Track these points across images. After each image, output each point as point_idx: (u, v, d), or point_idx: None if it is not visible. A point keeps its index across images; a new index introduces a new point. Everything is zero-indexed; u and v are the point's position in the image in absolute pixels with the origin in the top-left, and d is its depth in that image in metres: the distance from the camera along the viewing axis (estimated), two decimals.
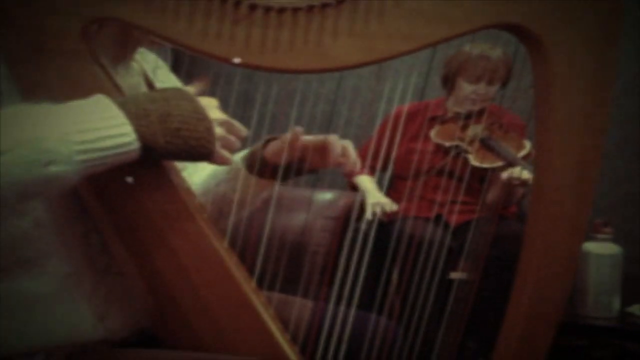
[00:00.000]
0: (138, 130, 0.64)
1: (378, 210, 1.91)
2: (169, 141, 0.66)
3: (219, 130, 0.70)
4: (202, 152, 0.69)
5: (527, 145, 1.87)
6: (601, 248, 1.75)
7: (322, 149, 0.87)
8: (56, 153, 0.60)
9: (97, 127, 0.62)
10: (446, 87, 2.08)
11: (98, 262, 0.74)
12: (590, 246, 1.75)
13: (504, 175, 1.80)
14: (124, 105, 0.65)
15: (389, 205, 1.93)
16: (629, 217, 2.38)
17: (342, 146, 0.88)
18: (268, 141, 0.89)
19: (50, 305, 0.72)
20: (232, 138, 0.74)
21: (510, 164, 1.80)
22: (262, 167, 0.88)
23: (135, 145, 0.65)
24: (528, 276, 0.74)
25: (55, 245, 0.71)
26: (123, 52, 0.80)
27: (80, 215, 0.72)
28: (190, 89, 0.73)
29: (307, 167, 0.89)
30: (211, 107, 0.71)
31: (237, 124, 0.74)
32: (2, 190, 0.59)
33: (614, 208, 2.33)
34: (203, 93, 0.74)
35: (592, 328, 1.72)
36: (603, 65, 0.70)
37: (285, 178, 0.90)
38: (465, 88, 1.97)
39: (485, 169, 1.89)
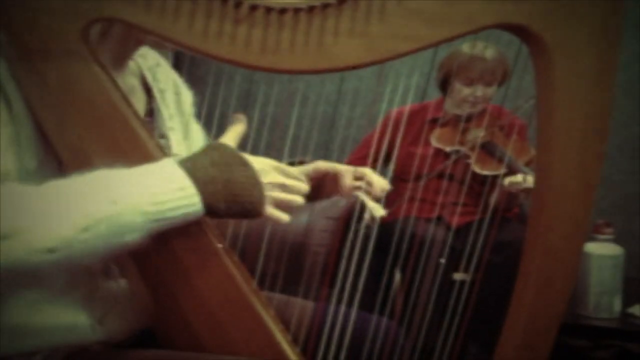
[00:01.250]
0: (204, 197, 0.67)
1: (367, 216, 1.90)
2: (229, 206, 0.69)
3: (273, 194, 0.73)
4: (252, 214, 0.71)
5: (531, 150, 1.85)
6: (603, 249, 1.74)
7: (333, 178, 0.88)
8: (133, 226, 0.64)
9: (170, 198, 0.66)
10: (443, 90, 2.06)
11: (96, 266, 0.74)
12: (592, 247, 1.74)
13: (506, 182, 1.78)
14: (192, 173, 0.67)
15: (379, 211, 1.92)
16: (631, 218, 2.38)
17: (360, 171, 0.90)
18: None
19: (49, 308, 0.72)
20: (290, 197, 0.75)
21: (512, 170, 1.78)
22: None
23: (201, 212, 0.68)
24: (529, 277, 0.74)
25: None
26: (123, 53, 0.80)
27: None
28: (232, 134, 0.75)
29: (319, 194, 0.91)
30: (267, 170, 0.73)
31: (296, 184, 0.76)
32: (84, 261, 0.66)
33: (616, 209, 2.33)
34: (242, 133, 0.76)
35: (593, 329, 1.72)
36: (605, 66, 0.70)
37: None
38: (462, 91, 1.94)
39: (487, 175, 1.87)
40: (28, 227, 0.61)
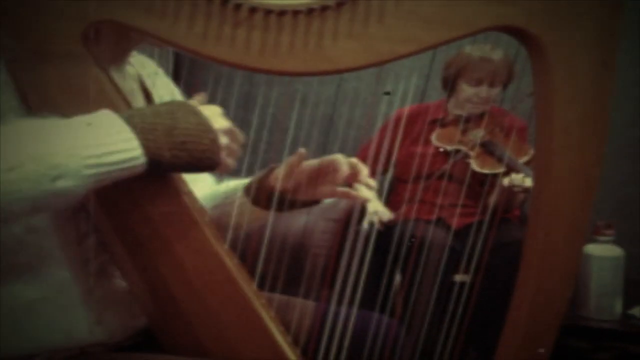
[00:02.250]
0: (144, 144, 0.65)
1: (375, 219, 1.90)
2: (175, 154, 0.66)
3: (223, 139, 0.71)
4: (207, 164, 0.69)
5: (530, 150, 1.86)
6: (603, 250, 1.74)
7: (328, 170, 0.87)
8: (64, 168, 0.61)
9: (105, 142, 0.63)
10: (447, 90, 2.07)
11: (93, 265, 0.74)
12: (592, 248, 1.74)
13: (505, 181, 1.79)
14: (130, 120, 0.65)
15: (386, 214, 1.93)
16: (631, 220, 2.38)
17: (350, 162, 0.87)
18: (270, 170, 0.89)
19: (45, 310, 0.72)
20: (235, 146, 0.74)
21: (512, 169, 1.79)
22: (268, 197, 0.88)
23: (142, 159, 0.65)
24: (529, 279, 0.74)
25: (50, 250, 0.71)
26: (118, 54, 0.80)
27: (75, 218, 0.72)
28: (194, 101, 0.73)
29: (314, 193, 0.89)
30: (215, 116, 0.71)
31: (237, 131, 0.74)
32: (12, 205, 0.60)
33: (616, 210, 2.32)
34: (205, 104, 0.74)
35: (594, 330, 1.72)
36: (603, 68, 0.70)
37: (290, 208, 0.90)
38: (467, 91, 1.96)
39: (486, 174, 1.88)
40: None
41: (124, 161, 0.64)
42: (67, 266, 0.72)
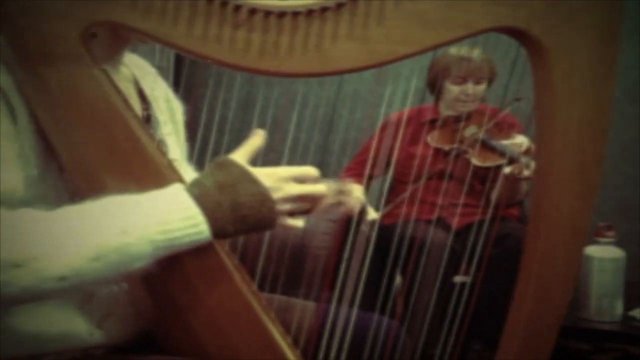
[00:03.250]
0: (212, 225, 0.68)
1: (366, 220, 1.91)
2: (237, 228, 0.69)
3: (285, 207, 0.72)
4: (263, 229, 0.72)
5: (525, 140, 1.88)
6: (604, 252, 1.74)
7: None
8: (141, 254, 0.65)
9: (178, 227, 0.66)
10: (434, 93, 2.09)
11: None
12: (593, 250, 1.74)
13: (507, 169, 1.80)
14: (199, 199, 0.68)
15: (372, 214, 1.94)
16: (632, 221, 2.38)
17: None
18: None
19: (46, 311, 0.72)
20: (304, 205, 0.75)
21: (513, 160, 1.80)
22: None
23: (209, 237, 0.68)
24: (530, 280, 0.74)
25: None
26: (111, 54, 0.80)
27: None
28: (248, 148, 0.74)
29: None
30: (277, 186, 0.71)
31: (312, 190, 0.74)
32: (91, 286, 0.68)
33: (617, 212, 2.32)
34: (258, 148, 0.75)
35: (594, 332, 1.71)
36: (604, 69, 0.70)
37: None
38: (453, 90, 1.99)
39: (488, 169, 1.89)
40: (41, 256, 0.61)
41: (193, 242, 0.67)
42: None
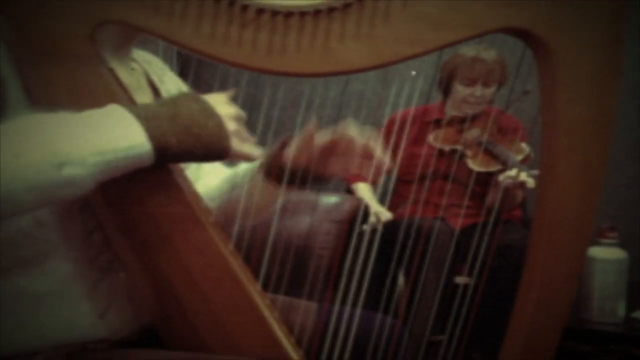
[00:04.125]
0: (148, 131, 0.65)
1: (374, 219, 1.91)
2: (180, 140, 0.66)
3: (232, 125, 0.70)
4: (217, 149, 0.69)
5: (526, 148, 1.87)
6: (607, 253, 1.74)
7: (340, 146, 0.83)
8: (69, 155, 0.61)
9: (109, 131, 0.63)
10: (443, 91, 2.09)
11: (99, 261, 0.75)
12: (596, 251, 1.74)
13: (501, 177, 1.80)
14: (133, 110, 0.66)
15: (385, 214, 1.94)
16: (635, 222, 2.37)
17: (363, 141, 0.83)
18: (283, 145, 0.87)
19: (50, 304, 0.72)
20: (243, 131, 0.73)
21: (506, 166, 1.80)
22: (280, 172, 0.86)
23: (148, 146, 0.65)
24: (533, 281, 0.74)
25: (56, 244, 0.72)
26: (120, 49, 0.80)
27: (82, 213, 0.73)
28: (220, 95, 0.72)
29: (325, 170, 0.86)
30: (220, 103, 0.71)
31: (240, 112, 0.73)
32: (18, 194, 0.60)
33: (620, 213, 2.32)
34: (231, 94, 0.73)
35: (597, 333, 1.71)
36: (609, 70, 0.70)
37: (301, 185, 0.87)
38: (462, 91, 1.98)
39: (484, 173, 1.89)
40: None
41: (129, 148, 0.64)
42: (73, 261, 0.73)
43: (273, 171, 0.87)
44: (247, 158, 0.73)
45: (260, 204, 0.89)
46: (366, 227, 1.86)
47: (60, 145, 0.61)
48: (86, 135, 0.62)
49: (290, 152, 0.85)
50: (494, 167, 1.86)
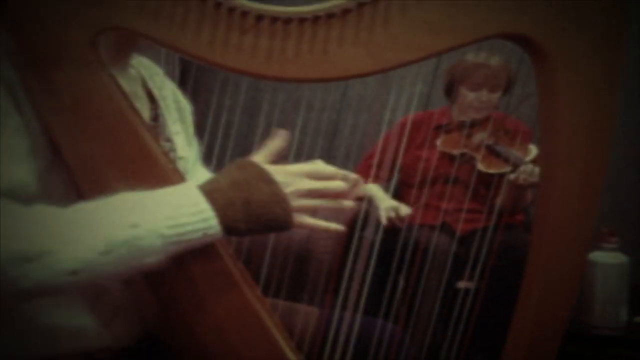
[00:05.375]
0: (223, 220, 0.68)
1: (393, 214, 1.91)
2: (249, 227, 0.69)
3: (297, 202, 0.72)
4: (278, 228, 0.71)
5: (533, 150, 1.88)
6: (608, 257, 1.74)
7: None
8: (152, 249, 0.65)
9: (188, 222, 0.66)
10: (449, 97, 2.09)
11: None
12: (597, 255, 1.74)
13: (512, 176, 1.80)
14: (211, 195, 0.68)
15: (404, 209, 1.93)
16: (636, 227, 2.37)
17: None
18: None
19: (55, 312, 0.72)
20: (322, 201, 0.74)
21: (517, 167, 1.81)
22: None
23: (220, 233, 0.68)
24: (534, 285, 0.74)
25: None
26: (120, 57, 0.80)
27: None
28: (267, 152, 0.74)
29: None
30: (289, 181, 0.71)
31: (329, 185, 0.74)
32: (104, 280, 0.69)
33: (621, 217, 2.32)
34: (280, 152, 0.75)
35: (598, 338, 1.71)
36: (608, 75, 0.70)
37: None
38: (468, 96, 1.99)
39: (492, 175, 1.89)
40: (53, 250, 0.62)
41: (204, 237, 0.67)
42: None
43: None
44: (308, 229, 0.75)
45: None
46: (383, 223, 1.85)
47: (144, 241, 0.65)
48: (167, 227, 0.66)
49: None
50: (504, 169, 1.86)
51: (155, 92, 0.88)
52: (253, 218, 0.69)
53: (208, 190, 0.68)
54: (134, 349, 0.77)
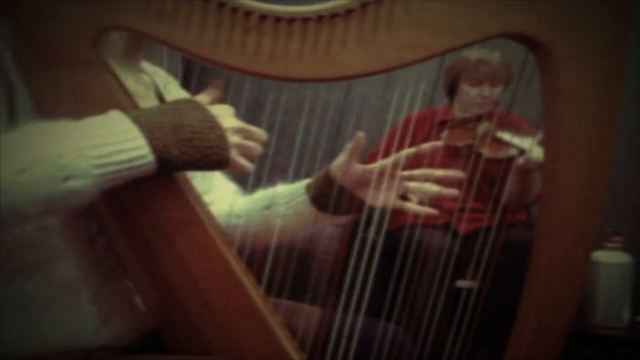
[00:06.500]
0: (151, 142, 0.65)
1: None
2: (182, 152, 0.67)
3: (234, 138, 0.71)
4: (216, 160, 0.69)
5: (537, 133, 1.87)
6: (611, 257, 1.73)
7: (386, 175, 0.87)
8: (73, 168, 0.61)
9: (112, 141, 0.64)
10: (450, 95, 2.10)
11: (102, 266, 0.75)
12: (600, 255, 1.74)
13: (520, 160, 1.79)
14: (137, 119, 0.66)
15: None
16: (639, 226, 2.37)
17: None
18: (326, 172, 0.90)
19: (53, 309, 0.72)
20: (251, 144, 0.74)
21: (524, 150, 1.80)
22: (325, 199, 0.89)
23: (150, 157, 0.65)
24: (537, 285, 0.74)
25: (60, 249, 0.72)
26: (130, 56, 0.80)
27: (86, 218, 0.73)
28: (204, 97, 0.73)
29: (370, 196, 0.90)
30: (225, 116, 0.71)
31: (255, 130, 0.74)
32: (25, 207, 0.61)
33: (625, 217, 2.31)
34: (217, 100, 0.74)
35: (601, 338, 1.71)
36: (611, 75, 0.70)
37: (347, 209, 0.90)
38: (470, 92, 2.00)
39: (499, 163, 1.88)
40: None
41: (132, 159, 0.64)
42: (77, 266, 0.73)
43: (319, 193, 0.90)
44: (241, 171, 0.73)
45: (298, 227, 0.91)
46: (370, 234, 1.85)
47: (63, 159, 0.61)
48: (89, 146, 0.63)
49: (338, 164, 0.88)
50: (509, 152, 1.85)
51: (167, 99, 0.88)
52: (184, 143, 0.66)
53: (134, 115, 0.66)
54: (132, 348, 0.77)
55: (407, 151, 0.89)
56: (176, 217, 0.72)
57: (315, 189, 0.91)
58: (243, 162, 0.72)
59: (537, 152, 1.75)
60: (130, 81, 0.78)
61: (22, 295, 0.71)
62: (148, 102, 0.82)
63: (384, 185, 0.91)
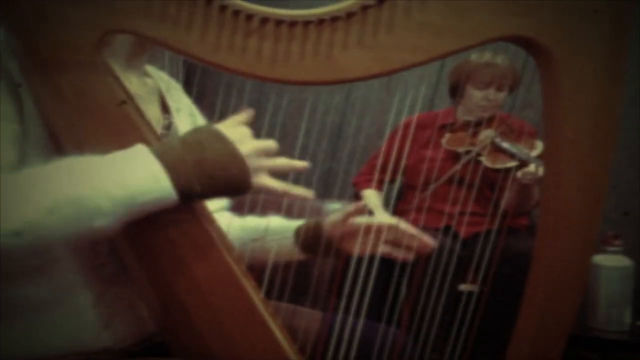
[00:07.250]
0: (175, 181, 0.66)
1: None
2: (204, 186, 0.67)
3: (254, 162, 0.70)
4: (238, 190, 0.70)
5: (539, 145, 1.87)
6: (612, 260, 1.73)
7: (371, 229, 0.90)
8: (100, 209, 0.63)
9: (138, 182, 0.65)
10: (455, 97, 2.09)
11: (104, 271, 0.75)
12: (601, 259, 1.73)
13: (519, 173, 1.79)
14: (162, 156, 0.66)
15: (403, 224, 1.92)
16: None
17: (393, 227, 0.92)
18: (323, 218, 0.93)
19: (55, 313, 0.72)
20: (272, 163, 0.73)
21: (524, 163, 1.80)
22: (314, 243, 0.93)
23: (175, 197, 0.66)
24: (538, 289, 0.74)
25: (61, 253, 0.72)
26: (129, 58, 0.81)
27: None
28: (232, 122, 0.73)
29: (348, 248, 0.93)
30: (244, 140, 0.70)
31: (267, 144, 0.73)
32: (51, 242, 0.66)
33: (625, 220, 2.31)
34: (247, 121, 0.73)
35: (603, 341, 1.70)
36: (612, 78, 0.70)
37: (327, 254, 0.94)
38: (475, 95, 1.99)
39: (498, 172, 1.88)
40: None
41: (156, 200, 0.66)
42: (79, 270, 0.73)
43: (308, 240, 0.93)
44: (271, 192, 0.73)
45: (279, 258, 0.94)
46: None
47: (91, 201, 0.63)
48: (116, 187, 0.64)
49: (331, 221, 0.92)
50: (507, 164, 1.86)
51: (171, 104, 0.88)
52: (206, 177, 0.67)
53: (159, 152, 0.67)
54: (133, 352, 0.77)
55: (391, 222, 0.94)
56: (176, 219, 0.72)
57: (305, 236, 0.94)
58: (271, 182, 0.72)
59: (536, 167, 1.75)
60: (133, 84, 0.78)
61: (24, 298, 0.72)
62: (150, 105, 0.82)
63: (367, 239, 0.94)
